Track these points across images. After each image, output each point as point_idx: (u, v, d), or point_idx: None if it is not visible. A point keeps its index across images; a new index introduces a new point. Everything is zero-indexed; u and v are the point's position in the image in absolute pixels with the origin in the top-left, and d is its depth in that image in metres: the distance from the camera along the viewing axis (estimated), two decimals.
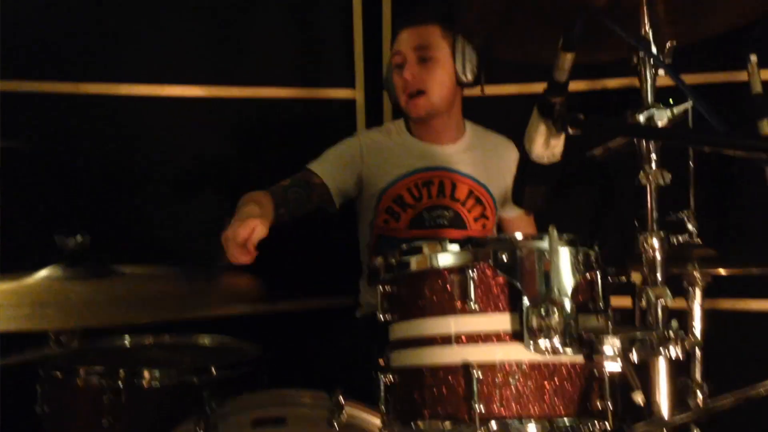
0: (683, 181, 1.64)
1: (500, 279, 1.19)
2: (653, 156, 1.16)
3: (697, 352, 1.51)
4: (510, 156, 2.09)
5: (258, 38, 2.50)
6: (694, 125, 1.17)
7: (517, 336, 1.17)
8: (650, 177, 1.15)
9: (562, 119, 1.14)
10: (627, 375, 1.15)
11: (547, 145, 1.18)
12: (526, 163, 1.22)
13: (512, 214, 2.19)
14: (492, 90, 2.09)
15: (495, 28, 1.38)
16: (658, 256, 1.15)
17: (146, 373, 1.62)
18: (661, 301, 1.15)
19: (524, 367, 1.18)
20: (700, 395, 1.47)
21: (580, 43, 1.14)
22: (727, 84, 2.24)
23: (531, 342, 1.14)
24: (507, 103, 2.39)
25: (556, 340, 1.12)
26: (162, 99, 2.40)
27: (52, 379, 1.68)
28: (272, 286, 2.45)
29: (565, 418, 1.18)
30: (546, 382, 1.18)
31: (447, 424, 1.19)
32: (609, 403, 1.18)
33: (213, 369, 1.65)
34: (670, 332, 1.13)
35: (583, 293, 1.22)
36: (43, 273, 1.36)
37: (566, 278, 1.18)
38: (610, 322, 1.09)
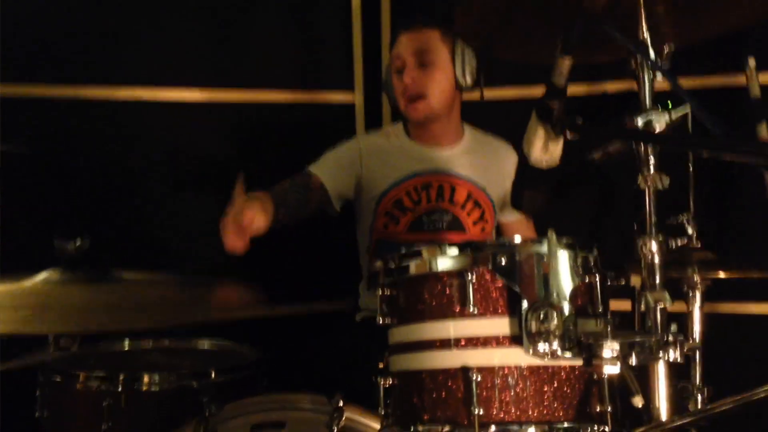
0: (682, 185, 1.64)
1: (499, 283, 1.19)
2: (652, 160, 1.16)
3: (697, 355, 1.51)
4: (509, 159, 2.10)
5: (257, 41, 2.50)
6: (693, 129, 1.17)
7: (516, 340, 1.17)
8: (649, 181, 1.15)
9: (560, 123, 1.14)
10: (626, 379, 1.15)
11: (545, 149, 1.18)
12: (524, 166, 1.22)
13: (511, 218, 2.19)
14: (491, 93, 2.09)
15: (495, 28, 1.38)
16: (657, 260, 1.15)
17: (146, 377, 1.62)
18: (660, 305, 1.15)
19: (523, 370, 1.18)
20: (699, 399, 1.48)
21: (578, 45, 1.14)
22: (725, 87, 2.24)
23: (530, 346, 1.14)
24: (506, 106, 2.39)
25: (555, 344, 1.12)
26: (161, 102, 2.40)
27: (51, 383, 1.67)
28: (272, 289, 2.46)
29: (565, 422, 1.17)
30: (545, 386, 1.18)
31: (446, 428, 1.19)
32: (608, 407, 1.18)
33: (212, 373, 1.65)
34: (670, 336, 1.13)
35: (582, 297, 1.22)
36: (42, 276, 1.36)
37: (565, 282, 1.18)
38: (609, 326, 1.09)
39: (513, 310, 1.18)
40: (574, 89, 2.34)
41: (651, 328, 1.13)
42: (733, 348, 2.10)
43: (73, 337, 1.29)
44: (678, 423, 1.17)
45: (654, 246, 1.15)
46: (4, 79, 2.19)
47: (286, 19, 2.56)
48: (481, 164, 2.10)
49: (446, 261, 1.23)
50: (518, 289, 1.17)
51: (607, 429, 1.18)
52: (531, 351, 1.14)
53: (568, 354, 1.12)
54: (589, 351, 1.10)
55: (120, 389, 1.60)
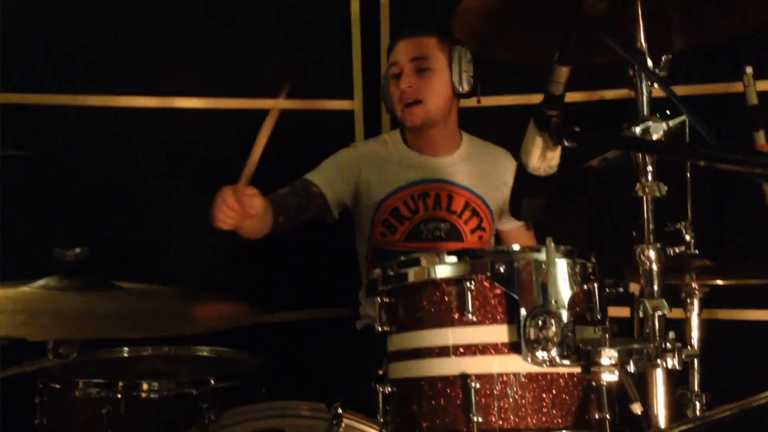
0: (680, 192, 1.65)
1: (498, 290, 1.20)
2: (649, 168, 1.16)
3: (695, 362, 1.51)
4: (507, 167, 2.10)
5: (257, 49, 2.51)
6: (690, 137, 1.17)
7: (514, 347, 1.17)
8: (646, 189, 1.16)
9: (558, 132, 1.14)
10: (625, 386, 1.15)
11: (543, 158, 1.18)
12: (522, 174, 1.22)
13: (510, 226, 2.19)
14: (489, 101, 2.10)
15: (494, 29, 1.38)
16: (655, 268, 1.15)
17: (145, 385, 1.62)
18: (658, 313, 1.15)
19: (522, 378, 1.18)
20: (698, 405, 1.48)
21: (575, 54, 1.14)
22: (723, 95, 2.25)
23: (528, 353, 1.15)
24: (504, 114, 2.40)
25: (554, 352, 1.13)
26: (161, 111, 2.40)
27: (50, 390, 1.67)
28: (273, 296, 2.46)
29: (563, 429, 1.18)
30: (544, 394, 1.18)
31: None
32: (607, 413, 1.18)
33: (211, 380, 1.65)
34: (668, 343, 1.13)
35: (581, 304, 1.22)
36: (40, 283, 1.36)
37: (563, 290, 1.19)
38: (607, 334, 1.09)
39: (511, 318, 1.18)
40: (573, 96, 2.36)
41: (649, 335, 1.13)
42: (731, 355, 2.11)
43: (73, 344, 1.29)
44: (677, 430, 1.17)
45: (652, 253, 1.16)
46: (5, 88, 2.19)
47: (286, 28, 2.56)
48: (479, 172, 2.10)
49: (445, 268, 1.24)
50: (517, 297, 1.18)
51: None
52: (529, 358, 1.15)
53: (566, 361, 1.13)
54: (587, 358, 1.10)
55: (119, 396, 1.60)
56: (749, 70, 1.75)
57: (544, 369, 1.17)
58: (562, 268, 1.20)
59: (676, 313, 1.43)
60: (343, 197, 2.06)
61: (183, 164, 2.42)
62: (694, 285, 1.55)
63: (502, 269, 1.19)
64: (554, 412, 1.18)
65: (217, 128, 2.46)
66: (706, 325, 1.56)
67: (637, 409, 1.17)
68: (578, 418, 1.19)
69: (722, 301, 2.26)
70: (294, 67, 2.58)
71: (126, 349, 1.92)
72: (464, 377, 1.18)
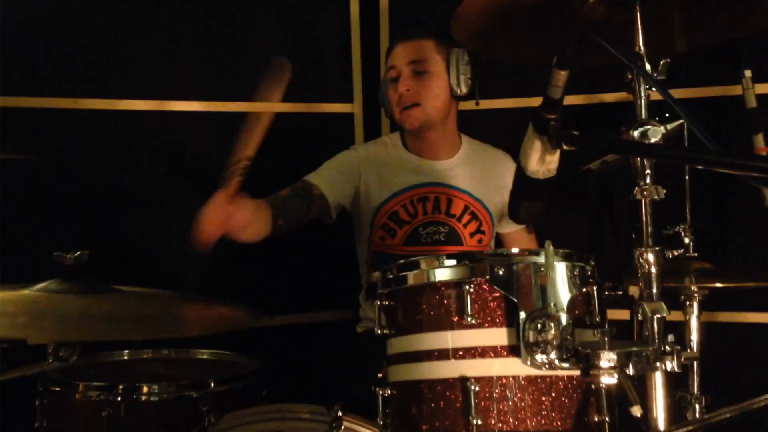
0: (679, 195, 1.65)
1: (497, 293, 1.20)
2: (648, 171, 1.16)
3: (695, 365, 1.51)
4: (507, 169, 2.09)
5: (256, 53, 2.51)
6: (689, 140, 1.18)
7: (514, 350, 1.17)
8: (645, 192, 1.16)
9: (557, 136, 1.15)
10: (625, 388, 1.16)
11: (542, 161, 1.19)
12: (521, 178, 1.23)
13: (510, 229, 2.19)
14: (488, 104, 2.10)
15: (494, 29, 1.38)
16: (654, 271, 1.15)
17: (145, 388, 1.62)
18: (657, 315, 1.15)
19: (521, 381, 1.18)
20: (697, 408, 1.48)
21: (573, 59, 1.15)
22: (722, 98, 2.25)
23: (528, 356, 1.15)
24: (503, 117, 2.40)
25: (553, 354, 1.13)
26: (162, 114, 2.41)
27: (51, 393, 1.67)
28: (273, 299, 2.46)
29: None
30: (543, 397, 1.18)
31: None
32: (606, 416, 1.19)
33: (211, 383, 1.65)
34: (667, 346, 1.13)
35: (580, 307, 1.22)
36: (40, 285, 1.37)
37: (563, 292, 1.19)
38: (606, 336, 1.09)
39: (511, 321, 1.18)
40: (572, 99, 2.37)
41: (649, 338, 1.13)
42: (730, 357, 2.11)
43: (73, 347, 1.29)
44: None
45: (651, 256, 1.16)
46: (5, 91, 2.20)
47: (286, 31, 2.57)
48: (478, 175, 2.10)
49: (444, 272, 1.24)
50: (516, 300, 1.18)
51: None
52: (529, 361, 1.15)
53: (565, 364, 1.13)
54: (586, 361, 1.10)
55: (119, 399, 1.60)
56: (748, 73, 1.76)
57: (544, 372, 1.17)
58: (561, 271, 1.20)
59: (676, 316, 1.44)
60: (343, 199, 2.06)
61: (183, 167, 2.42)
62: (694, 288, 1.55)
63: (501, 272, 1.19)
64: (554, 414, 1.18)
65: (217, 131, 2.46)
66: (705, 327, 1.56)
67: (636, 411, 1.17)
68: (578, 421, 1.19)
69: (721, 303, 2.26)
70: (294, 70, 2.58)
71: (126, 352, 1.92)
72: (464, 380, 1.18)
